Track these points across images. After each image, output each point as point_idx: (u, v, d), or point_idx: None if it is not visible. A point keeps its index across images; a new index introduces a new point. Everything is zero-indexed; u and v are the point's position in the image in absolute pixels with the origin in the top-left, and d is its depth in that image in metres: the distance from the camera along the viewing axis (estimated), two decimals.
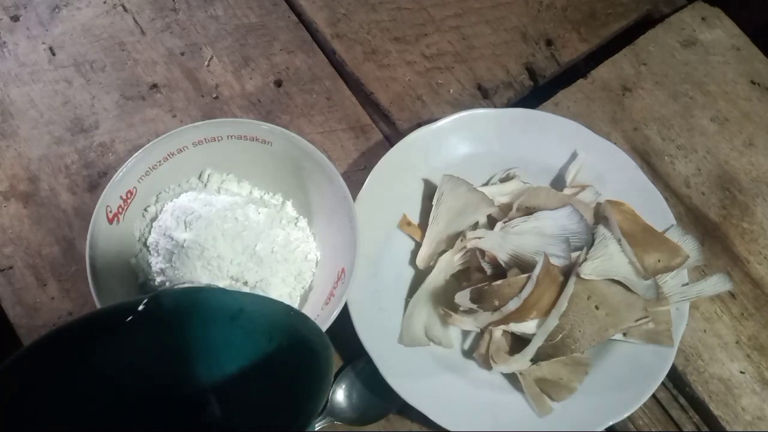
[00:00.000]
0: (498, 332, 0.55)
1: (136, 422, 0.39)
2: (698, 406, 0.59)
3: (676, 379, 0.60)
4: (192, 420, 0.41)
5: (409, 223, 0.60)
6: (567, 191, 0.60)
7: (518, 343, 0.55)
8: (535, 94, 0.70)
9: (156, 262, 0.53)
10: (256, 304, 0.40)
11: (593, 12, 0.73)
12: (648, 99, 0.69)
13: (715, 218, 0.65)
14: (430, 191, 0.60)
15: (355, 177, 0.63)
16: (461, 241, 0.57)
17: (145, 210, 0.56)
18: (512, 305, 0.52)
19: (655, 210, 0.60)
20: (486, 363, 0.55)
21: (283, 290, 0.55)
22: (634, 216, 0.58)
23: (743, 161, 0.67)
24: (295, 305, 0.55)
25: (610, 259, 0.54)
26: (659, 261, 0.55)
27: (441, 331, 0.56)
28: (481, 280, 0.55)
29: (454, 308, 0.55)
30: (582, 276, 0.53)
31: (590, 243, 0.54)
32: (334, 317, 0.50)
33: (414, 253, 0.59)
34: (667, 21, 0.73)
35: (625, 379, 0.55)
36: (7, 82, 0.65)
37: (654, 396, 0.58)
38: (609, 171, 0.62)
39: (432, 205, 0.58)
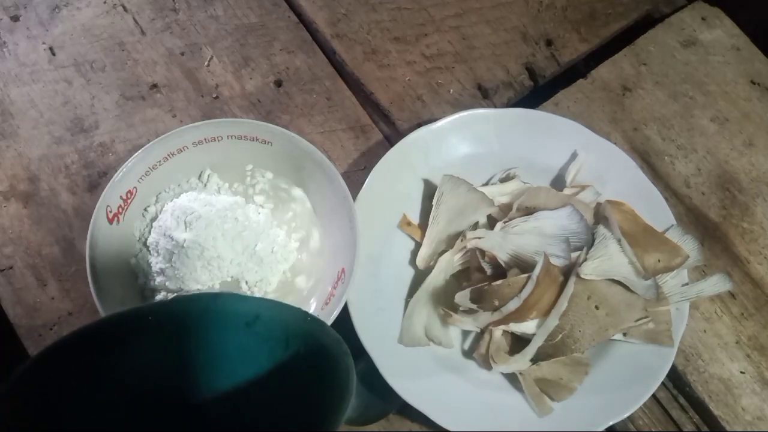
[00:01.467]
0: (498, 332, 0.55)
1: (146, 430, 0.38)
2: (698, 406, 0.59)
3: (676, 379, 0.60)
4: (202, 427, 0.40)
5: (409, 223, 0.60)
6: (567, 191, 0.60)
7: (518, 343, 0.55)
8: (535, 94, 0.70)
9: (156, 262, 0.53)
10: (273, 310, 0.39)
11: (593, 12, 0.73)
12: (648, 99, 0.70)
13: (715, 218, 0.65)
14: (430, 191, 0.60)
15: (355, 177, 0.63)
16: (461, 241, 0.57)
17: (145, 210, 0.56)
18: (512, 305, 0.52)
19: (655, 210, 0.60)
20: (486, 363, 0.55)
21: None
22: (634, 216, 0.58)
23: (743, 161, 0.67)
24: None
25: (610, 259, 0.54)
26: (659, 261, 0.55)
27: (441, 331, 0.56)
28: (481, 280, 0.55)
29: (454, 308, 0.55)
30: (582, 276, 0.53)
31: (590, 243, 0.54)
32: (334, 317, 0.50)
33: (414, 253, 0.59)
34: (667, 21, 0.73)
35: (625, 379, 0.55)
36: (7, 82, 0.65)
37: (654, 396, 0.58)
38: (609, 171, 0.62)
39: (432, 205, 0.58)
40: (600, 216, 0.58)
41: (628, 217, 0.58)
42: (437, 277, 0.57)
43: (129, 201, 0.53)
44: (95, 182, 0.62)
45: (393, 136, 0.66)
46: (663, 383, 0.57)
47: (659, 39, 0.72)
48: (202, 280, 0.52)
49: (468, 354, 0.57)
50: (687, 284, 0.58)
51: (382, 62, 0.69)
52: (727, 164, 0.67)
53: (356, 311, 0.54)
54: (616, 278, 0.54)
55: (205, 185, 0.57)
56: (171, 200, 0.56)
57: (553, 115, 0.63)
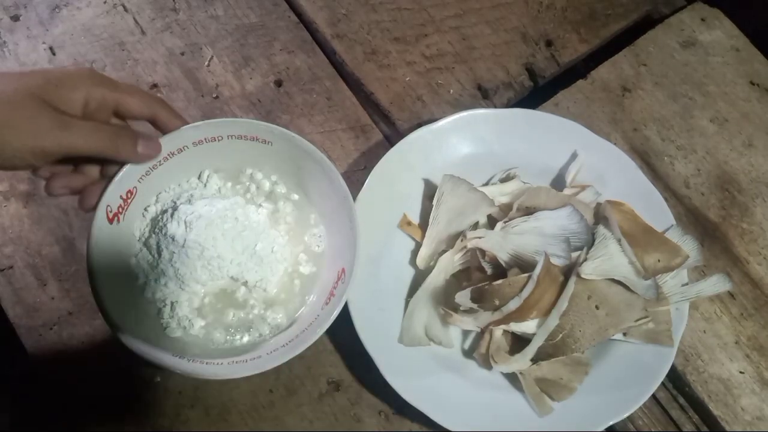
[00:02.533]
0: (498, 332, 0.55)
1: None
2: (698, 406, 0.59)
3: (675, 379, 0.60)
4: None
5: (409, 223, 0.60)
6: (567, 191, 0.60)
7: (518, 342, 0.55)
8: (535, 94, 0.70)
9: (156, 262, 0.53)
10: None
11: (593, 12, 0.73)
12: (648, 99, 0.70)
13: (715, 219, 0.65)
14: (430, 191, 0.61)
15: (355, 177, 0.63)
16: (461, 240, 0.57)
17: (145, 210, 0.56)
18: (513, 305, 0.52)
19: (654, 210, 0.60)
20: (486, 363, 0.55)
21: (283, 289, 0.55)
22: (634, 216, 0.58)
23: (742, 162, 0.68)
24: (295, 304, 0.55)
25: (610, 259, 0.54)
26: (659, 261, 0.56)
27: (441, 330, 0.56)
28: (482, 280, 0.55)
29: (455, 308, 0.55)
30: (582, 276, 0.53)
31: (590, 243, 0.54)
32: (334, 317, 0.50)
33: (414, 253, 0.59)
34: (667, 22, 0.73)
35: (625, 379, 0.55)
36: None
37: (654, 396, 0.58)
38: (609, 171, 0.62)
39: (432, 205, 0.59)
40: (600, 216, 0.58)
41: (628, 217, 0.58)
42: (437, 276, 0.57)
43: (129, 201, 0.53)
44: None
45: (393, 136, 0.66)
46: (663, 383, 0.57)
47: (659, 40, 0.72)
48: (202, 279, 0.52)
49: (468, 354, 0.57)
50: (687, 284, 0.58)
51: (382, 62, 0.69)
52: (727, 165, 0.67)
53: (356, 311, 0.55)
54: (616, 278, 0.54)
55: (205, 185, 0.57)
56: (171, 201, 0.56)
57: (553, 116, 0.63)
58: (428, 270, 0.58)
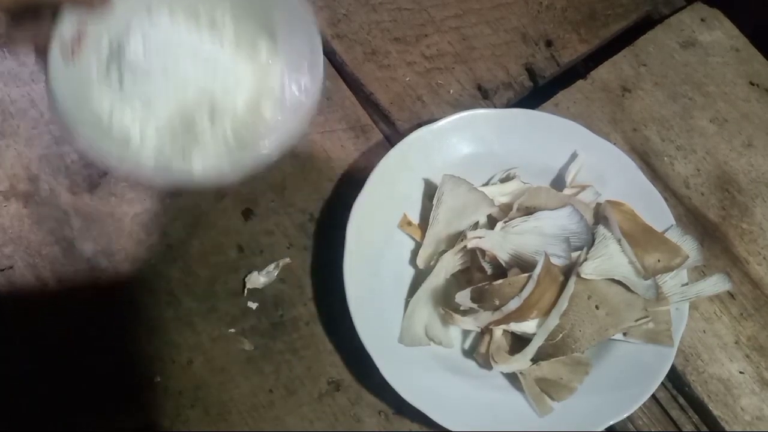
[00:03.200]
0: (498, 332, 0.55)
1: None
2: (697, 406, 0.59)
3: (675, 379, 0.60)
4: None
5: (409, 223, 0.60)
6: (567, 191, 0.60)
7: (518, 342, 0.55)
8: (535, 94, 0.70)
9: (118, 93, 0.51)
10: None
11: (593, 13, 0.74)
12: (647, 100, 0.70)
13: (715, 219, 0.65)
14: (430, 191, 0.61)
15: (355, 177, 0.63)
16: (462, 240, 0.57)
17: (100, 47, 0.54)
18: (513, 305, 0.52)
19: (654, 210, 0.60)
20: (486, 363, 0.55)
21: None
22: (634, 216, 0.58)
23: (742, 162, 0.68)
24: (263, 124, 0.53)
25: (610, 259, 0.54)
26: (659, 261, 0.56)
27: (441, 330, 0.56)
28: (482, 280, 0.55)
29: (455, 308, 0.55)
30: (582, 276, 0.53)
31: (590, 243, 0.54)
32: (302, 125, 0.48)
33: (414, 253, 0.59)
34: (667, 22, 0.73)
35: (625, 379, 0.55)
36: (7, 82, 0.65)
37: (653, 396, 0.58)
38: (609, 171, 0.62)
39: (432, 205, 0.59)
40: (600, 216, 0.58)
41: (628, 217, 0.58)
42: (438, 276, 0.57)
43: (81, 40, 0.51)
44: (95, 182, 0.62)
45: (393, 136, 0.66)
46: (662, 383, 0.57)
47: (659, 40, 0.72)
48: (166, 101, 0.51)
49: (468, 354, 0.57)
50: (686, 284, 0.58)
51: (382, 63, 0.69)
52: (727, 165, 0.67)
53: (356, 311, 0.55)
54: (616, 278, 0.54)
55: (158, 20, 0.55)
56: (126, 33, 0.54)
57: (553, 116, 0.64)
58: (428, 270, 0.58)
